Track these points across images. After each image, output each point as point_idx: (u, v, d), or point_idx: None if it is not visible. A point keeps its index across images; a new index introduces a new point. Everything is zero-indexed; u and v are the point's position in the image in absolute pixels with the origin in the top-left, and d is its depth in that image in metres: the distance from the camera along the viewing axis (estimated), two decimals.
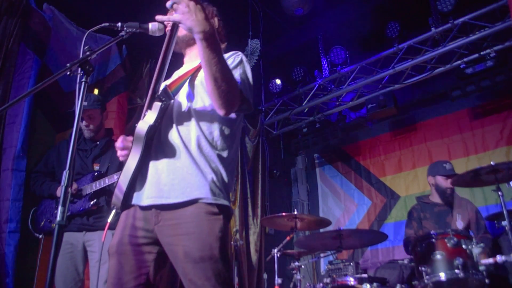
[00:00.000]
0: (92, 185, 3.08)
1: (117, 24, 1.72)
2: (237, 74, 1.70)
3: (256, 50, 5.01)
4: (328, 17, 5.28)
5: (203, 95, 1.74)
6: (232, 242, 4.60)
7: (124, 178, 1.67)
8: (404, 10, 5.13)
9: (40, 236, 3.16)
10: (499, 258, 2.87)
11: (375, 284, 3.41)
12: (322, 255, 4.28)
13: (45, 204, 3.21)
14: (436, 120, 5.65)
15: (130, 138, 1.76)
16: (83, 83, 1.52)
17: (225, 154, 1.72)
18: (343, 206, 6.29)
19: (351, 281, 3.57)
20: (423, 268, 3.08)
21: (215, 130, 1.72)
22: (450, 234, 3.10)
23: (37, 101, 3.72)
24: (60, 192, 1.39)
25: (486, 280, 2.93)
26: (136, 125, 1.67)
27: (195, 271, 1.52)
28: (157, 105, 1.68)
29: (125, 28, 1.72)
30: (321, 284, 3.75)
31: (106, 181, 3.04)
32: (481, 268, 2.96)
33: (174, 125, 1.72)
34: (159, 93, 1.70)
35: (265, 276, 4.62)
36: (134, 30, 1.72)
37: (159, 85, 1.72)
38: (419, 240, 3.26)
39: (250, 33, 5.08)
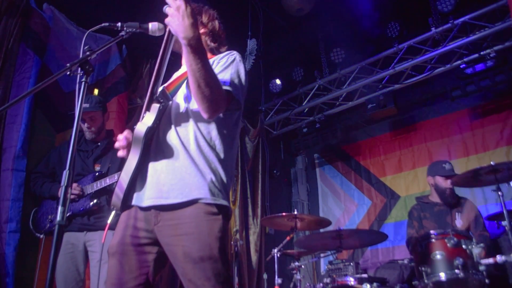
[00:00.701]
0: (93, 185, 3.09)
1: (117, 24, 1.72)
2: (228, 73, 1.70)
3: (254, 50, 5.01)
4: (328, 17, 5.28)
5: None
6: (232, 242, 4.61)
7: (124, 179, 1.67)
8: (404, 10, 5.13)
9: (41, 236, 3.16)
10: (499, 258, 2.87)
11: (375, 284, 3.41)
12: (322, 255, 4.28)
13: (47, 205, 3.21)
14: (436, 120, 5.65)
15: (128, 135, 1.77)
16: (83, 83, 1.53)
17: (223, 154, 1.73)
18: (343, 206, 6.29)
19: (351, 281, 3.57)
20: (423, 268, 3.08)
21: (213, 130, 1.73)
22: (450, 234, 3.10)
23: (37, 101, 3.72)
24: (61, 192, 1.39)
25: (486, 280, 2.93)
26: (135, 126, 1.67)
27: (194, 271, 1.52)
28: (155, 106, 1.69)
29: (125, 28, 1.72)
30: (321, 284, 3.75)
31: (107, 181, 3.04)
32: (481, 268, 2.96)
33: (172, 126, 1.73)
34: (157, 94, 1.71)
35: (265, 276, 4.62)
36: (134, 30, 1.73)
37: (157, 86, 1.73)
38: (419, 240, 3.26)
39: (250, 33, 5.08)
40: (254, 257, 5.45)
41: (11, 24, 3.57)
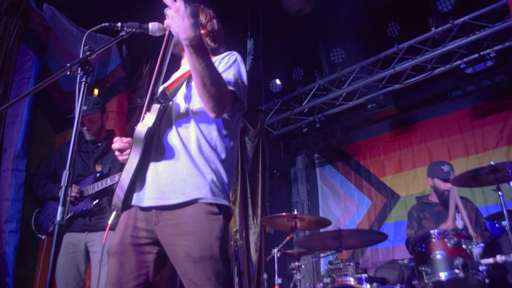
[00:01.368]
0: (94, 186, 3.09)
1: (117, 24, 1.72)
2: (230, 74, 1.71)
3: (251, 50, 5.00)
4: (328, 17, 5.27)
5: None
6: (232, 242, 4.61)
7: (124, 179, 1.67)
8: (404, 10, 5.12)
9: (43, 237, 3.16)
10: (499, 258, 2.87)
11: (375, 284, 3.42)
12: (322, 255, 4.28)
13: (49, 206, 3.21)
14: (436, 120, 5.65)
15: (125, 139, 1.78)
16: (83, 83, 1.53)
17: (224, 154, 1.73)
18: (343, 206, 6.29)
19: (351, 281, 3.58)
20: (423, 268, 3.08)
21: (213, 130, 1.73)
22: (450, 234, 3.10)
23: (37, 101, 3.72)
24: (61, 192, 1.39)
25: (486, 280, 2.93)
26: (135, 127, 1.67)
27: (195, 271, 1.52)
28: (155, 107, 1.69)
29: (125, 28, 1.72)
30: (321, 284, 3.75)
31: (108, 182, 3.05)
32: (481, 268, 2.96)
33: (173, 127, 1.73)
34: (157, 95, 1.71)
35: (265, 276, 4.63)
36: (134, 30, 1.72)
37: (157, 87, 1.73)
38: (419, 240, 3.26)
39: (250, 33, 5.07)
40: (254, 257, 5.45)
41: (11, 24, 3.57)
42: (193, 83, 1.77)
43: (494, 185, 3.15)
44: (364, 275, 3.58)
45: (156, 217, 1.64)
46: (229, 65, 1.74)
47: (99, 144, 3.30)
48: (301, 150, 6.53)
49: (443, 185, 3.90)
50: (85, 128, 3.23)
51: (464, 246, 3.06)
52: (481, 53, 4.73)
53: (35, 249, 3.24)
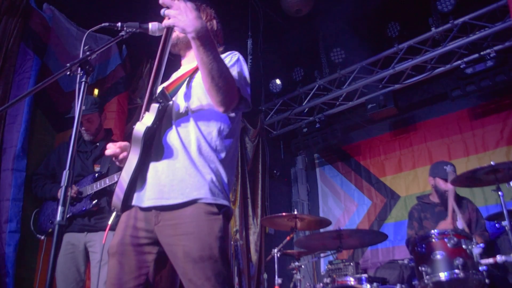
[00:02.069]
0: (93, 186, 3.09)
1: (117, 24, 1.72)
2: (234, 73, 1.71)
3: (250, 50, 5.00)
4: (328, 17, 5.27)
5: (201, 96, 1.75)
6: (232, 242, 4.61)
7: (124, 179, 1.67)
8: (404, 10, 5.12)
9: (42, 237, 3.16)
10: (499, 258, 2.87)
11: (375, 284, 3.42)
12: (322, 255, 4.28)
13: (48, 206, 3.21)
14: (436, 120, 5.65)
15: (118, 143, 1.79)
16: (83, 83, 1.52)
17: (224, 154, 1.73)
18: (343, 206, 6.29)
19: (351, 281, 3.57)
20: (423, 268, 3.08)
21: (213, 130, 1.73)
22: (450, 234, 3.10)
23: (37, 101, 3.72)
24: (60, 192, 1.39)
25: (486, 280, 2.93)
26: (134, 127, 1.67)
27: (195, 271, 1.52)
28: (154, 106, 1.69)
29: (125, 28, 1.72)
30: (321, 284, 3.75)
31: (107, 182, 3.05)
32: (481, 268, 2.96)
33: (173, 127, 1.73)
34: (156, 95, 1.71)
35: (265, 276, 4.63)
36: (134, 30, 1.72)
37: (156, 87, 1.72)
38: (419, 240, 3.26)
39: (250, 33, 5.07)
40: (254, 257, 5.45)
41: (11, 24, 3.57)
42: (193, 83, 1.77)
43: (494, 185, 3.15)
44: (364, 275, 3.58)
45: (156, 217, 1.63)
46: (231, 64, 1.74)
47: (98, 144, 3.30)
48: (301, 150, 6.52)
49: (444, 185, 3.90)
50: (83, 128, 3.23)
51: (464, 246, 3.06)
52: (481, 53, 4.73)
53: (35, 249, 3.24)
